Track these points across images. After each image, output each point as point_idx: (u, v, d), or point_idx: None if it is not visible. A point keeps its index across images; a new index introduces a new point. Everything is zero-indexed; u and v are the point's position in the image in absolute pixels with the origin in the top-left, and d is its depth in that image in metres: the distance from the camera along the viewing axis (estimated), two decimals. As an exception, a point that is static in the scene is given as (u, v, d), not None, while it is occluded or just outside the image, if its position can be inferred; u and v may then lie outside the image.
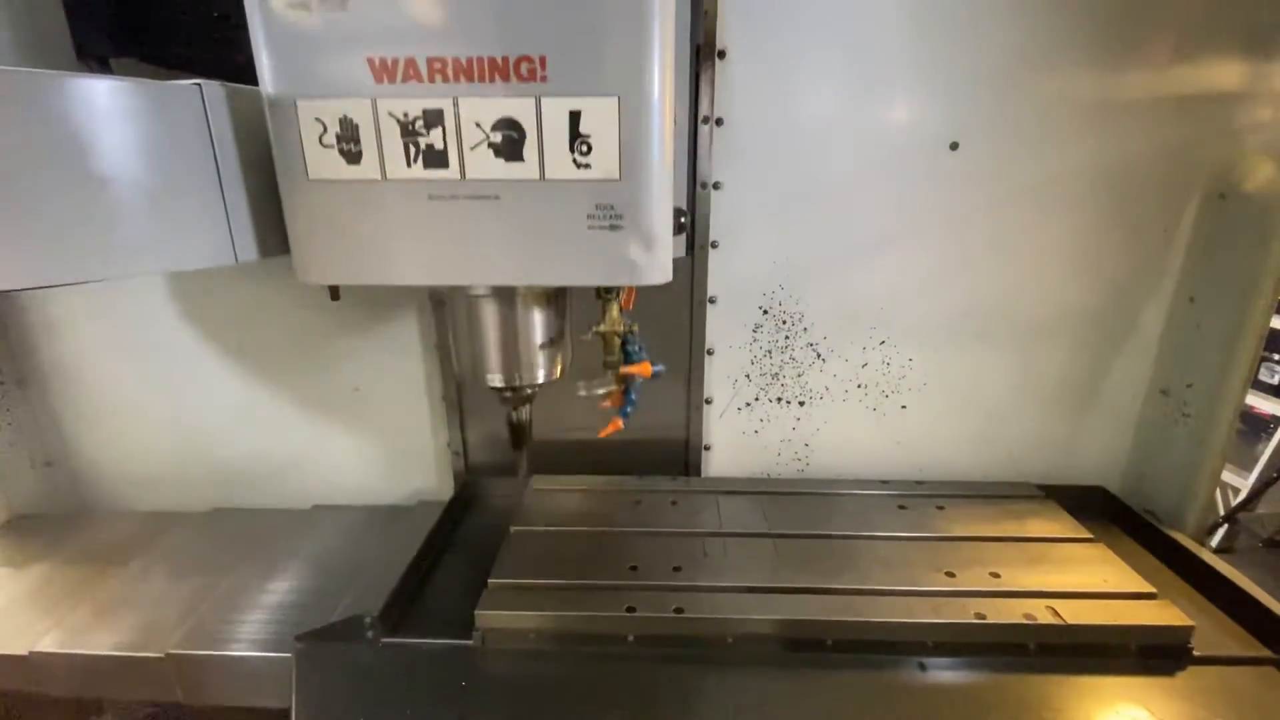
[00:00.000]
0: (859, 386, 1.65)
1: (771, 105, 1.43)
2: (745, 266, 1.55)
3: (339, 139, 0.88)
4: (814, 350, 1.62)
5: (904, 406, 1.66)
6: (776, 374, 1.65)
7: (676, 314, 1.59)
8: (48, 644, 1.25)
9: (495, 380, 1.13)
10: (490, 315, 1.08)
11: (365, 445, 1.75)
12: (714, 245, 1.53)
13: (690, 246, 1.45)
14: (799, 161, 1.46)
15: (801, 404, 1.67)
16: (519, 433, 1.23)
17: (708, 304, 1.58)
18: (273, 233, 1.00)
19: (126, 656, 1.23)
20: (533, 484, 1.62)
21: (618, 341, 1.15)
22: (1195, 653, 1.15)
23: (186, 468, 1.77)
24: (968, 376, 1.63)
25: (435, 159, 0.88)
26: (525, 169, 0.88)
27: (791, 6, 1.36)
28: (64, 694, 1.28)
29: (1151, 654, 1.15)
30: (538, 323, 1.10)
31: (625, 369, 1.17)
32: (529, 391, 1.16)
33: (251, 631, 1.27)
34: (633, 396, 1.24)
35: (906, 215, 1.50)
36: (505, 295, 1.06)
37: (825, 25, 1.37)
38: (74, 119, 0.76)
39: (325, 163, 0.89)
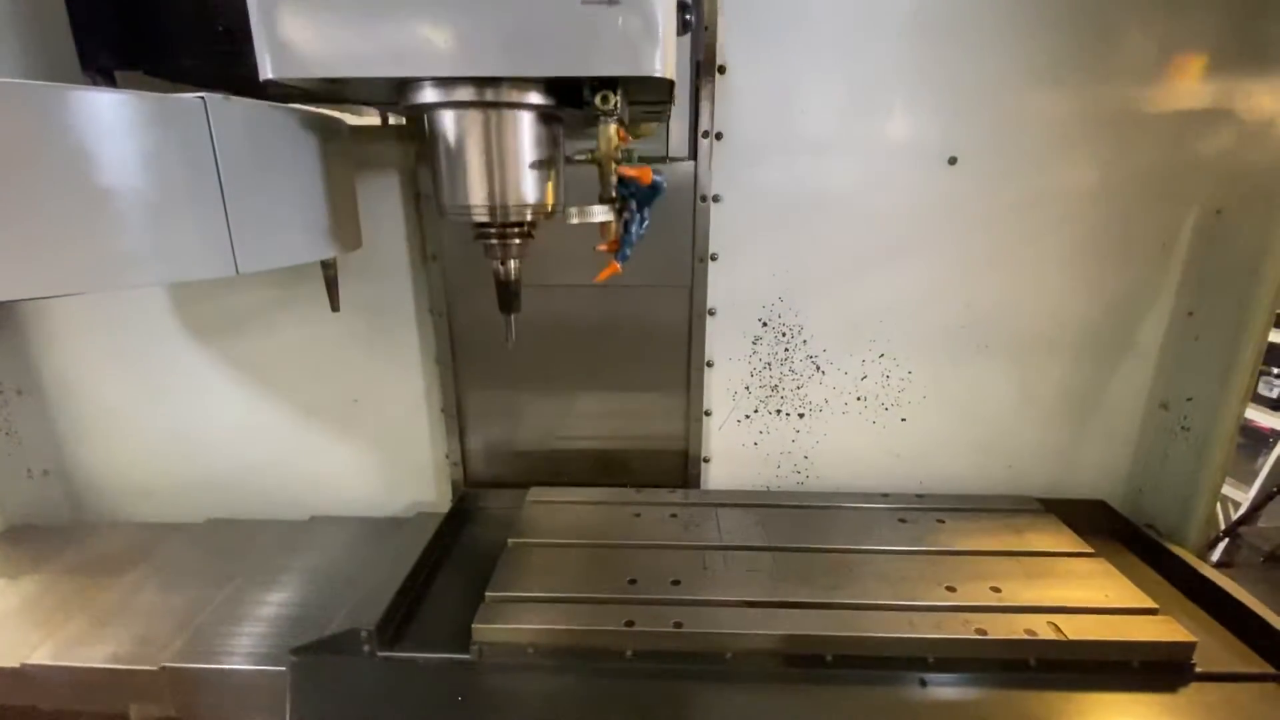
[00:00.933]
0: (858, 399, 1.65)
1: (771, 120, 1.44)
2: (745, 279, 1.56)
3: None
4: (813, 363, 1.63)
5: (904, 419, 1.66)
6: (776, 386, 1.65)
7: (676, 325, 1.59)
8: (41, 656, 1.24)
9: (479, 212, 0.99)
10: (472, 129, 0.95)
11: (363, 457, 1.74)
12: (714, 258, 1.54)
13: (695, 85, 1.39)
14: (799, 175, 1.47)
15: (801, 416, 1.67)
16: (507, 291, 1.10)
17: (707, 316, 1.58)
18: (277, 244, 1.00)
19: (120, 669, 1.22)
20: (530, 496, 1.61)
21: (614, 169, 1.00)
22: (1197, 669, 1.14)
23: (184, 478, 1.76)
24: (967, 389, 1.63)
25: None
26: None
27: (792, 23, 1.38)
28: (56, 707, 1.27)
29: (1153, 670, 1.14)
30: (525, 137, 0.96)
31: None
32: (517, 231, 1.04)
33: (247, 644, 1.26)
34: (630, 236, 1.09)
35: (905, 229, 1.51)
36: (489, 106, 0.95)
37: (825, 42, 1.39)
38: (78, 131, 0.77)
39: None
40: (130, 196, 0.82)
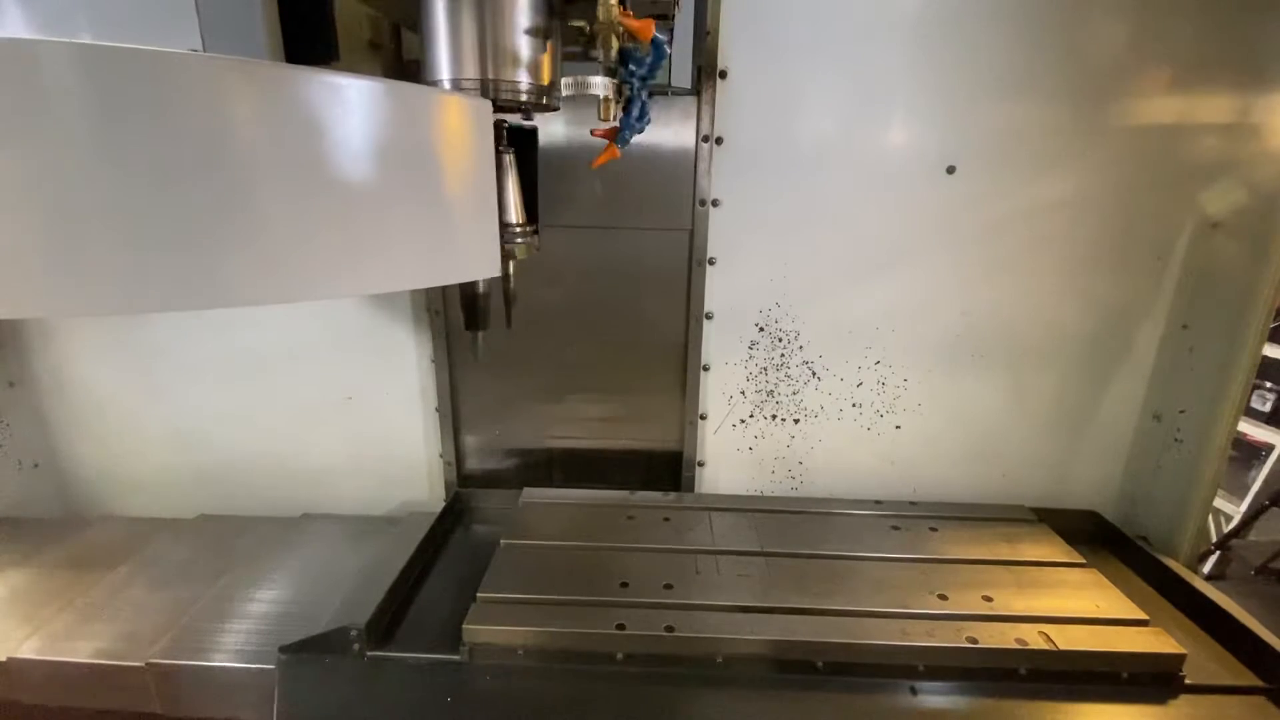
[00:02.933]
0: (854, 405, 1.65)
1: (772, 126, 1.44)
2: (742, 283, 1.56)
3: None
4: (809, 368, 1.63)
5: (898, 426, 1.66)
6: (772, 391, 1.65)
7: (673, 329, 1.59)
8: (26, 650, 1.23)
9: (469, 86, 0.90)
10: None
11: (357, 454, 1.73)
12: (712, 262, 1.54)
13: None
14: (798, 181, 1.47)
15: (796, 422, 1.67)
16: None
17: (704, 320, 1.58)
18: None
19: (105, 665, 1.21)
20: (524, 497, 1.61)
21: (615, 42, 0.91)
22: (1187, 681, 1.14)
23: (176, 473, 1.75)
24: (962, 398, 1.63)
25: None
26: None
27: (793, 29, 1.38)
28: (40, 702, 1.25)
29: (1143, 681, 1.14)
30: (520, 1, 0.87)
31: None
32: (511, 109, 0.94)
33: (235, 642, 1.25)
34: (630, 118, 1.00)
35: (903, 237, 1.51)
36: None
37: (826, 48, 1.39)
38: (355, 123, 0.67)
39: None
40: (405, 194, 0.72)
